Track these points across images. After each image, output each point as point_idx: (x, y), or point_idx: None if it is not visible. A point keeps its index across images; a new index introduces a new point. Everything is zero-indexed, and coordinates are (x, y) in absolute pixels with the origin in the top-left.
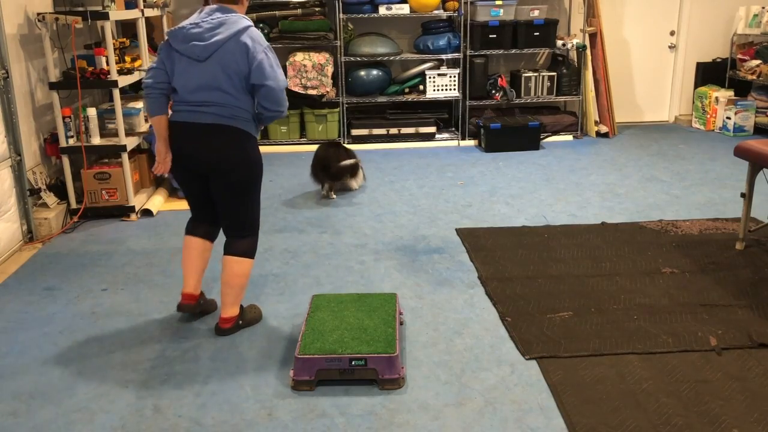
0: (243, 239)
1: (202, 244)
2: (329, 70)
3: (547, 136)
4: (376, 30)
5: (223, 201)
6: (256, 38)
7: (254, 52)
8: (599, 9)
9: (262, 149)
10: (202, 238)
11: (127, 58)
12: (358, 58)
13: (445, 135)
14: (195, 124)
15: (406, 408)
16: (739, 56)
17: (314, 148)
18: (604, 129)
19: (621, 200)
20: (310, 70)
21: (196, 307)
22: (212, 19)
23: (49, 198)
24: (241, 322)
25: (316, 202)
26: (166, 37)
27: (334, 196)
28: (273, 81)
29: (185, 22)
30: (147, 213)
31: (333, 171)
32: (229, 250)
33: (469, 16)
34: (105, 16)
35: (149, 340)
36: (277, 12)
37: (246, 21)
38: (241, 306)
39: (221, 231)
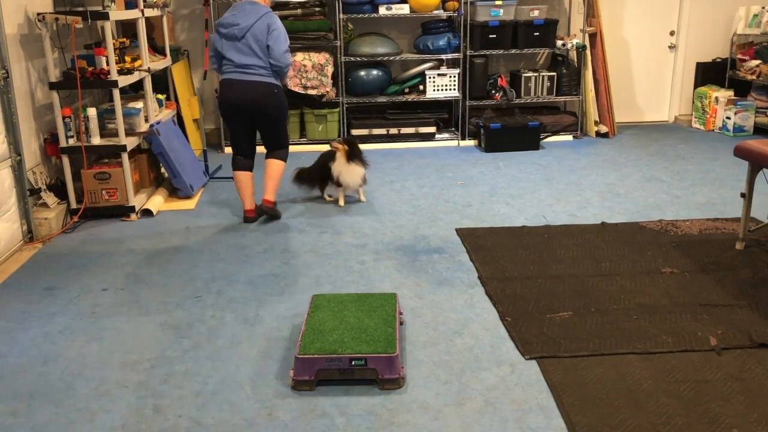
0: (280, 150)
1: (248, 176)
2: (329, 70)
3: (547, 136)
4: (376, 30)
5: (265, 129)
6: (273, 19)
7: (272, 27)
8: (599, 9)
9: (262, 149)
10: (247, 170)
11: (127, 58)
12: (358, 58)
13: (445, 135)
14: (243, 80)
15: (406, 408)
16: (739, 56)
17: (314, 148)
18: (604, 129)
19: (621, 200)
20: (310, 70)
21: (257, 217)
22: (245, 9)
23: (49, 198)
24: (276, 207)
25: (316, 202)
26: (215, 28)
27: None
28: (276, 44)
29: (227, 15)
30: (147, 213)
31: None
32: (270, 156)
33: (469, 16)
34: (105, 16)
35: (149, 340)
36: (277, 12)
37: (267, 8)
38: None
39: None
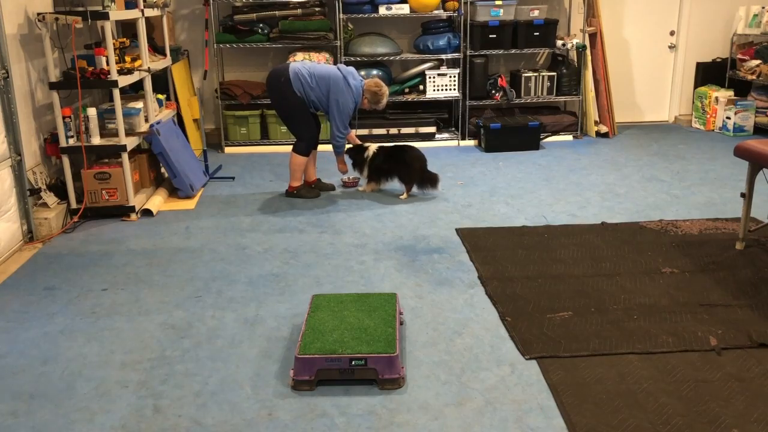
0: (297, 143)
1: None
2: None
3: (547, 136)
4: (376, 30)
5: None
6: (338, 87)
7: (334, 91)
8: (599, 9)
9: (262, 149)
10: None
11: (127, 58)
12: (358, 58)
13: (445, 135)
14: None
15: (406, 408)
16: (739, 56)
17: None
18: (604, 129)
19: (621, 200)
20: None
21: (292, 195)
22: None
23: (49, 198)
24: (296, 192)
25: (316, 202)
26: None
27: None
28: (335, 111)
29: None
30: (147, 213)
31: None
32: (292, 148)
33: (469, 16)
34: (105, 16)
35: (149, 340)
36: (277, 12)
37: (348, 88)
38: (302, 185)
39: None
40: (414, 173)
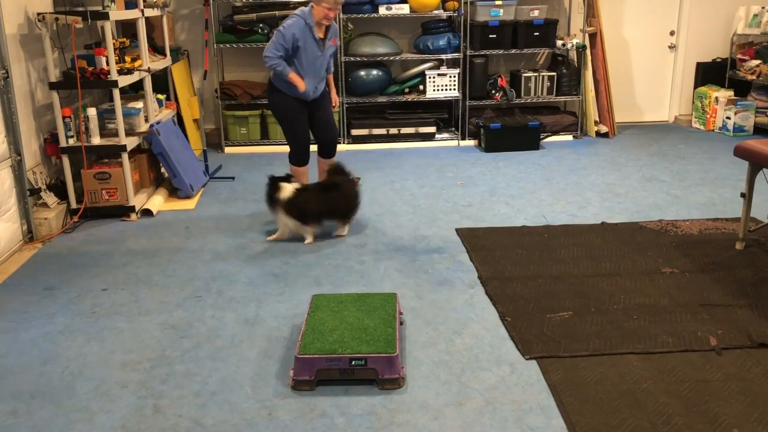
0: (289, 152)
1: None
2: None
3: (547, 136)
4: (376, 30)
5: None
6: (285, 22)
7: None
8: (599, 9)
9: (262, 149)
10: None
11: (127, 58)
12: (358, 58)
13: (445, 135)
14: None
15: (406, 408)
16: (739, 56)
17: (313, 148)
18: (604, 129)
19: (621, 200)
20: None
21: None
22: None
23: (49, 198)
24: None
25: None
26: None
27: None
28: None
29: None
30: (147, 213)
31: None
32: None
33: (469, 16)
34: (105, 16)
35: (149, 340)
36: (277, 12)
37: (298, 13)
38: None
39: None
40: (355, 205)
